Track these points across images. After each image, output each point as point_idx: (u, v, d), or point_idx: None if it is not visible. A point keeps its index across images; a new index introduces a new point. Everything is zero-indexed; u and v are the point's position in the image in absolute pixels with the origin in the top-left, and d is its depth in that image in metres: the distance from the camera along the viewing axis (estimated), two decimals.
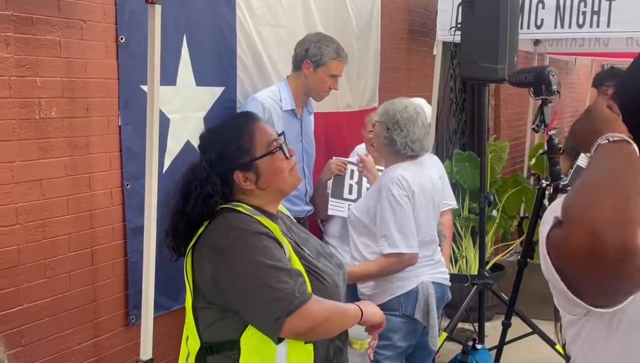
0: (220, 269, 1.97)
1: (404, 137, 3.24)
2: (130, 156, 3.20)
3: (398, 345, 3.23)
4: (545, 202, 3.55)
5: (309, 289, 2.00)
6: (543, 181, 3.51)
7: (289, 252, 2.03)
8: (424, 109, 4.23)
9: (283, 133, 2.24)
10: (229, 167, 2.08)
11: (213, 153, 2.09)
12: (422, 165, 3.34)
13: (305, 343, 2.03)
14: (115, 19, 3.11)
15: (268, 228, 2.02)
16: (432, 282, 3.28)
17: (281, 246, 2.01)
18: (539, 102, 3.56)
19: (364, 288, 3.30)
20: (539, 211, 3.70)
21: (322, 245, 2.28)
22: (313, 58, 3.74)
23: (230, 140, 2.11)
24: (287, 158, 2.16)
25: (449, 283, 3.45)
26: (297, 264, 2.03)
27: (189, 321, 2.10)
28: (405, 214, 3.16)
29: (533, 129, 3.47)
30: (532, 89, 3.44)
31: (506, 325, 4.30)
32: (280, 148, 2.14)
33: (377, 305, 3.18)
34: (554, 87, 3.36)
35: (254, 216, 2.04)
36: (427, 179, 3.32)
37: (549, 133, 3.36)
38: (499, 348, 4.38)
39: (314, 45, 3.75)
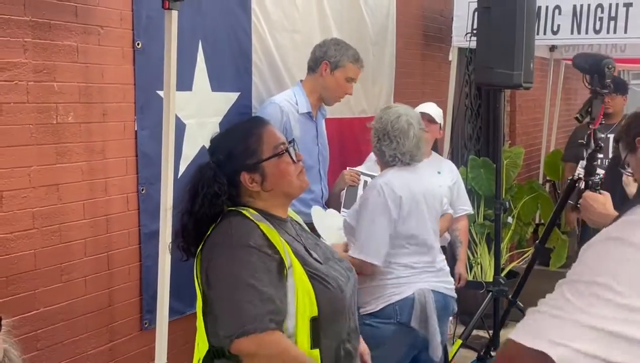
0: (210, 270, 2.02)
1: (393, 149, 3.21)
2: (146, 161, 3.21)
3: (391, 354, 3.11)
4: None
5: (294, 320, 1.99)
6: (576, 173, 3.40)
7: (291, 258, 2.03)
8: (432, 112, 4.19)
9: (294, 140, 2.25)
10: (235, 167, 2.10)
11: (221, 154, 2.12)
12: (416, 171, 3.26)
13: (312, 348, 2.02)
14: (132, 25, 3.13)
15: (266, 235, 2.02)
16: (432, 290, 3.19)
17: (279, 253, 2.01)
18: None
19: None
20: (566, 200, 3.62)
21: (331, 251, 2.30)
22: (332, 59, 3.78)
23: (238, 141, 2.14)
24: (294, 162, 2.17)
25: (454, 294, 3.33)
26: (299, 270, 2.03)
27: (199, 325, 2.11)
28: (374, 223, 3.11)
29: (576, 118, 3.35)
30: (587, 77, 3.33)
31: (513, 303, 4.26)
32: (287, 151, 2.15)
33: (372, 313, 3.14)
34: (607, 80, 3.24)
35: (257, 222, 2.04)
36: (420, 184, 3.24)
37: (592, 127, 3.23)
38: (502, 318, 4.32)
39: (334, 48, 3.80)
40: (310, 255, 2.12)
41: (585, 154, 3.21)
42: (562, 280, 1.03)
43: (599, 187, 3.06)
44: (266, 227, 2.04)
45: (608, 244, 1.02)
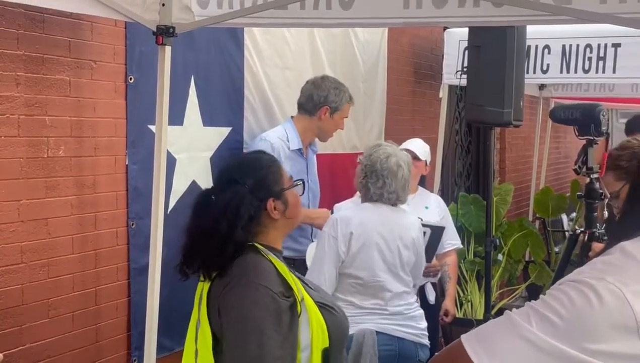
0: (223, 307, 2.01)
1: (380, 187, 3.17)
2: (136, 195, 3.20)
3: None
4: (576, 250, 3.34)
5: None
6: (577, 228, 3.33)
7: (302, 291, 2.04)
8: (417, 150, 4.18)
9: (301, 180, 2.30)
10: (265, 193, 2.12)
11: (251, 178, 2.12)
12: (393, 211, 3.21)
13: None
14: (125, 60, 3.14)
15: (279, 272, 2.02)
16: (380, 332, 3.07)
17: (292, 290, 2.02)
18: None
19: None
20: (569, 258, 3.55)
21: (314, 283, 2.34)
22: (332, 104, 3.82)
23: (265, 169, 2.18)
24: (300, 194, 2.25)
25: (423, 341, 3.21)
26: (310, 301, 2.04)
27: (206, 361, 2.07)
28: (320, 253, 3.13)
29: (574, 170, 3.27)
30: (577, 128, 3.24)
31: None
32: (302, 182, 2.24)
33: None
34: (603, 128, 3.17)
35: (269, 257, 2.06)
36: (388, 226, 3.16)
37: (590, 176, 3.14)
38: None
39: (333, 93, 3.83)
40: (308, 285, 2.15)
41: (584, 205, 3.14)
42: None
43: (605, 238, 3.01)
44: (278, 262, 2.07)
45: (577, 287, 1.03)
